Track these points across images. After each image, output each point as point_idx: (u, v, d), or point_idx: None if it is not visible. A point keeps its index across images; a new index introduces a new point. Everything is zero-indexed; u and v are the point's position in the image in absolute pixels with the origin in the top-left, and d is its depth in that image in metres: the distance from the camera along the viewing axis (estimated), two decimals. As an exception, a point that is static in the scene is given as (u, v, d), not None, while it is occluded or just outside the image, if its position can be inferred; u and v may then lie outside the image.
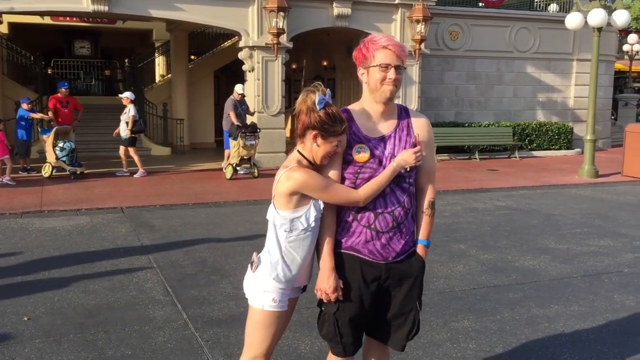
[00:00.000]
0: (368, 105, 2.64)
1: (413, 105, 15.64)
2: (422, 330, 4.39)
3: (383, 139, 2.61)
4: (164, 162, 14.89)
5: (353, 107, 2.69)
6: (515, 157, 16.63)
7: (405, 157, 2.55)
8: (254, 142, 11.99)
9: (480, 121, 17.37)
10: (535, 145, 17.64)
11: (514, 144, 16.81)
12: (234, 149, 11.93)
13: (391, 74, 2.52)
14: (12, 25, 19.43)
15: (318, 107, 2.49)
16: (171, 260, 6.29)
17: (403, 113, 2.69)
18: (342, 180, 2.61)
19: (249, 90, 13.73)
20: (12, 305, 4.92)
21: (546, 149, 17.75)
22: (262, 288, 2.64)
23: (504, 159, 16.55)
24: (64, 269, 5.96)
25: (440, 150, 16.03)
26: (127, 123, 12.34)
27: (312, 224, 2.56)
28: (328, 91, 2.56)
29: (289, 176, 2.52)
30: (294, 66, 19.55)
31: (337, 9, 14.34)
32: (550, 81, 18.54)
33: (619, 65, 26.13)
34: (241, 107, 12.43)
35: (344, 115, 2.55)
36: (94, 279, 5.66)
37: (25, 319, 4.62)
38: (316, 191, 2.52)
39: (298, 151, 2.60)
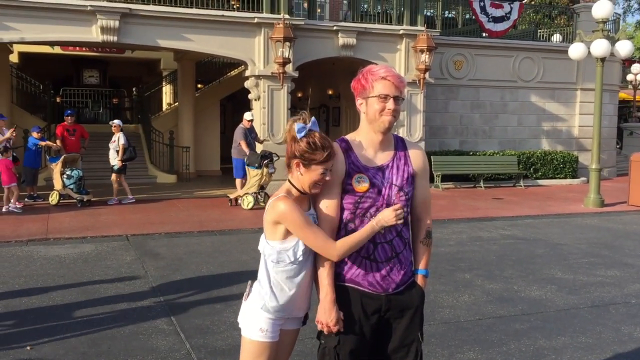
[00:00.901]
0: (366, 135, 2.65)
1: (418, 134, 15.73)
2: (427, 361, 4.36)
3: (381, 169, 2.62)
4: (169, 190, 14.94)
5: (351, 136, 2.70)
6: (521, 186, 16.61)
7: (385, 216, 2.53)
8: (274, 170, 12.01)
9: (485, 150, 17.41)
10: (540, 174, 17.63)
11: (519, 172, 16.81)
12: (255, 178, 11.78)
13: (390, 104, 2.54)
14: (22, 54, 19.73)
15: (298, 136, 2.52)
16: (175, 288, 6.28)
17: (400, 143, 2.72)
18: (342, 210, 2.61)
19: (255, 118, 13.83)
20: (16, 334, 4.91)
21: (551, 178, 17.73)
22: (252, 317, 2.65)
23: (509, 188, 16.54)
24: (67, 297, 5.96)
25: (445, 178, 16.05)
26: (117, 152, 12.47)
27: (300, 258, 2.56)
28: (313, 119, 2.56)
29: (273, 205, 2.55)
30: (299, 95, 19.73)
31: (342, 39, 14.52)
32: (555, 110, 18.61)
33: (623, 94, 26.25)
34: (250, 135, 12.49)
35: (334, 144, 2.57)
36: (97, 307, 5.65)
37: (28, 348, 4.61)
38: (294, 227, 2.51)
39: (289, 180, 2.63)
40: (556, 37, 20.63)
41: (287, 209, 2.51)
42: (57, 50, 19.82)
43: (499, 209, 12.55)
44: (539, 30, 20.98)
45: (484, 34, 17.90)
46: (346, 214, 2.60)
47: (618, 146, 23.83)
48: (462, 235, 9.60)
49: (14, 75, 18.39)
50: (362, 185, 2.57)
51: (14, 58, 18.73)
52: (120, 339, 4.81)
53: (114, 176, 12.60)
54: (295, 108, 19.70)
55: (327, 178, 2.54)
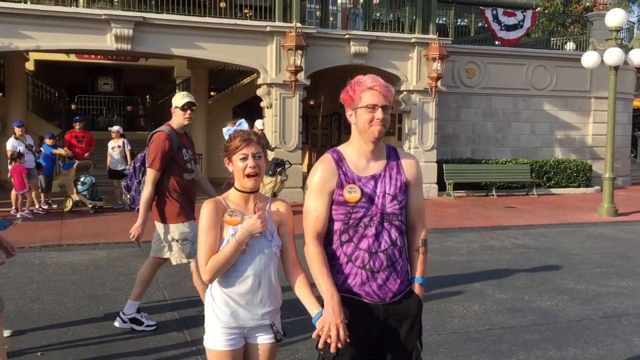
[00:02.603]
0: (357, 145, 2.66)
1: (429, 142, 15.70)
2: (436, 371, 4.35)
3: (374, 178, 2.62)
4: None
5: (343, 147, 2.72)
6: (533, 195, 16.51)
7: (250, 224, 2.57)
8: (286, 178, 12.04)
9: (497, 158, 17.34)
10: (553, 182, 17.51)
11: (531, 181, 16.71)
12: (269, 185, 11.84)
13: (379, 114, 2.55)
14: (38, 62, 19.98)
15: (225, 137, 2.68)
16: (185, 295, 6.31)
17: (392, 153, 2.72)
18: (332, 222, 2.60)
19: (266, 126, 13.89)
20: (27, 340, 4.96)
21: (565, 187, 17.61)
22: (206, 325, 2.69)
23: (521, 196, 16.44)
24: (79, 303, 6.01)
25: (457, 187, 16.00)
26: (126, 158, 12.58)
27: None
28: (241, 120, 2.73)
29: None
30: (311, 102, 19.78)
31: (354, 47, 14.56)
32: (568, 118, 18.50)
33: (638, 103, 26.01)
34: (261, 143, 12.55)
35: (254, 131, 2.68)
36: (108, 314, 5.68)
37: (39, 354, 4.65)
38: (199, 227, 2.60)
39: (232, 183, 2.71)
40: (570, 45, 20.53)
41: (202, 210, 2.60)
42: (73, 58, 20.05)
43: (511, 217, 12.48)
44: (552, 39, 20.89)
45: (496, 42, 17.87)
46: (339, 225, 2.60)
47: (632, 155, 23.62)
48: (473, 244, 9.56)
49: (30, 82, 18.64)
50: (353, 196, 2.57)
51: (30, 66, 18.99)
52: (130, 346, 4.84)
53: (117, 182, 12.71)
54: (307, 116, 19.81)
55: (251, 165, 2.59)
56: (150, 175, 4.94)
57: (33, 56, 18.58)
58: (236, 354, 2.64)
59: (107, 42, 12.87)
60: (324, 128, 20.46)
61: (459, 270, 7.62)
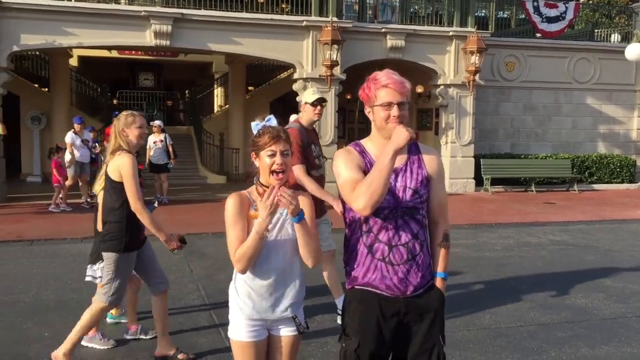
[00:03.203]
0: (378, 141, 2.67)
1: (467, 136, 15.53)
2: (464, 367, 4.33)
3: (395, 172, 2.62)
4: (219, 190, 15.21)
5: (364, 141, 2.74)
6: (574, 190, 16.16)
7: (263, 208, 2.51)
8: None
9: (537, 153, 17.02)
10: (595, 178, 17.11)
11: (572, 176, 16.35)
12: None
13: (394, 111, 2.56)
14: (81, 58, 20.49)
15: (254, 132, 2.69)
16: (219, 288, 6.41)
17: (413, 147, 2.72)
18: (353, 210, 2.60)
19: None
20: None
21: (607, 183, 17.17)
22: (231, 316, 2.75)
23: (562, 192, 16.11)
24: (116, 293, 6.17)
25: (494, 182, 15.79)
26: (167, 152, 12.82)
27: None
28: (270, 116, 2.73)
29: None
30: (348, 97, 19.75)
31: (390, 41, 14.48)
32: (612, 112, 18.02)
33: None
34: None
35: (283, 128, 2.67)
36: (143, 305, 5.82)
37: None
38: (226, 220, 2.63)
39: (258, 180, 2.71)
40: (615, 37, 19.97)
41: (227, 202, 2.64)
42: (114, 54, 20.50)
43: (549, 213, 12.26)
44: (597, 30, 20.35)
45: (537, 35, 17.51)
46: (359, 216, 2.63)
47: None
48: (509, 240, 9.43)
49: (74, 78, 19.16)
50: None
51: (73, 62, 19.50)
52: (163, 336, 4.95)
53: (164, 176, 12.96)
54: (344, 110, 19.79)
55: (279, 162, 2.58)
56: (299, 170, 4.91)
57: (76, 52, 19.06)
58: (259, 345, 2.69)
59: (147, 38, 13.13)
60: (360, 122, 20.41)
61: (493, 266, 7.54)
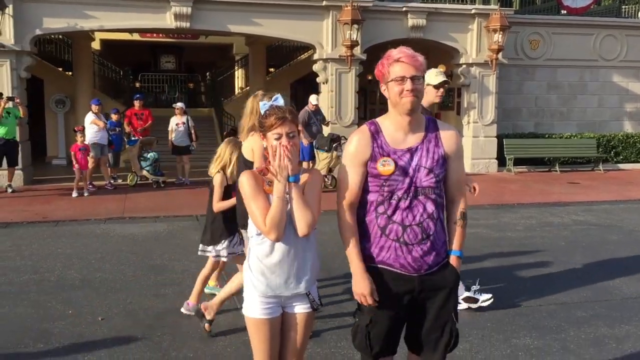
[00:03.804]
0: (394, 118, 2.67)
1: (489, 116, 15.34)
2: (481, 345, 4.35)
3: (410, 151, 2.62)
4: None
5: (381, 119, 2.73)
6: (600, 170, 15.90)
7: (275, 171, 2.57)
8: (342, 153, 12.04)
9: (561, 132, 16.75)
10: (621, 157, 16.80)
11: (598, 156, 16.08)
12: (325, 161, 11.89)
13: (407, 85, 2.54)
14: (103, 42, 20.64)
15: (262, 112, 2.69)
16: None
17: (431, 125, 2.70)
18: (367, 193, 2.64)
19: (322, 101, 13.91)
20: (89, 306, 5.25)
21: (634, 162, 16.85)
22: (245, 294, 2.78)
23: (586, 172, 15.86)
24: (138, 272, 6.29)
25: (517, 162, 15.60)
26: (190, 134, 12.90)
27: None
28: (277, 95, 2.74)
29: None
30: (369, 77, 19.63)
31: (411, 20, 14.31)
32: (639, 90, 17.62)
33: None
34: (316, 117, 12.58)
35: (290, 108, 2.67)
36: (165, 283, 5.93)
37: (100, 319, 4.92)
38: (245, 198, 2.64)
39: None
40: (643, 13, 19.47)
41: (241, 180, 2.66)
42: (136, 37, 20.59)
43: (573, 194, 12.10)
44: (624, 7, 19.85)
45: (562, 12, 17.14)
46: (375, 197, 2.63)
47: None
48: (531, 220, 9.34)
49: (96, 61, 19.30)
50: (386, 169, 2.59)
51: (95, 45, 19.64)
52: (184, 314, 5.04)
53: (186, 157, 13.05)
54: (365, 91, 19.68)
55: (285, 144, 2.57)
56: None
57: (99, 36, 19.20)
58: (273, 322, 2.72)
59: (167, 20, 13.15)
60: (381, 103, 20.30)
61: (514, 247, 7.49)
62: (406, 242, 2.60)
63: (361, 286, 2.59)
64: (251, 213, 2.64)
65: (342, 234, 2.65)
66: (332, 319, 4.87)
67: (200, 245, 5.02)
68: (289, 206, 2.60)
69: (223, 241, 4.83)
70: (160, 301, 5.38)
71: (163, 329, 4.69)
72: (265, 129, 2.64)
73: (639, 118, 17.76)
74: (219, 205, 4.75)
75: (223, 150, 4.76)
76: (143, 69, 23.33)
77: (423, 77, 2.62)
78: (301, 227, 2.59)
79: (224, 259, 4.95)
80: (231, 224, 4.70)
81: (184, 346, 4.36)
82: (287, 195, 2.58)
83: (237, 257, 4.89)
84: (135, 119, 12.99)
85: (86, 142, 11.65)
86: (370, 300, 2.58)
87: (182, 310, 5.00)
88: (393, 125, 2.66)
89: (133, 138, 12.81)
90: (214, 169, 4.77)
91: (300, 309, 2.75)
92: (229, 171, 4.74)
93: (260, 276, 2.70)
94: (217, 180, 4.74)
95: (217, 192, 4.74)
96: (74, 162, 11.24)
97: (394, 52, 2.59)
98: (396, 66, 2.56)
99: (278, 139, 2.61)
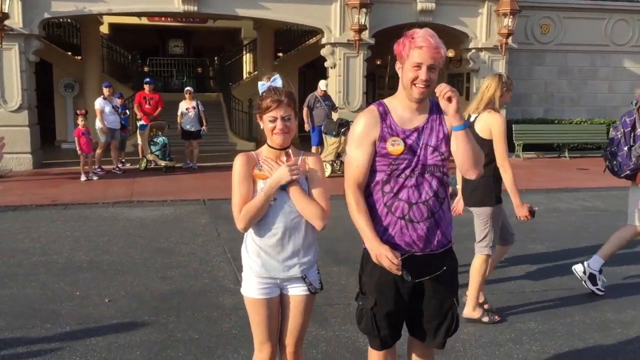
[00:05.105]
0: (402, 99, 2.67)
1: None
2: (485, 329, 4.36)
3: (417, 130, 2.63)
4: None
5: (389, 100, 2.73)
6: (609, 156, 15.76)
7: (278, 174, 2.58)
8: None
9: (571, 118, 16.62)
10: (632, 143, 16.64)
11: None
12: (333, 146, 11.87)
13: (423, 74, 2.52)
14: (111, 25, 20.62)
15: (260, 92, 2.69)
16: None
17: (434, 107, 2.69)
18: (375, 173, 2.63)
19: (330, 86, 13.84)
20: (97, 287, 5.29)
21: (644, 148, 16.69)
22: (244, 274, 2.80)
23: (596, 158, 15.68)
24: (145, 255, 6.33)
25: (527, 147, 15.52)
26: (200, 119, 12.88)
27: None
28: (276, 76, 2.69)
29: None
30: (378, 62, 19.52)
31: (420, 4, 14.17)
32: (651, 76, 17.43)
33: None
34: (324, 103, 12.53)
35: (288, 90, 2.65)
36: (171, 266, 5.97)
37: (107, 300, 4.96)
38: (233, 179, 2.66)
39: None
40: (656, -3, 19.19)
41: (234, 163, 2.66)
42: (144, 21, 20.55)
43: (582, 179, 12.03)
44: (637, -10, 19.57)
45: (574, -5, 16.93)
46: (382, 176, 2.63)
47: None
48: (538, 206, 9.09)
49: (104, 45, 19.30)
50: (396, 148, 2.59)
51: (104, 29, 19.63)
52: (190, 296, 5.08)
53: (196, 142, 13.06)
54: (374, 75, 19.59)
55: (280, 127, 2.59)
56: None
57: (107, 20, 19.17)
58: (271, 303, 2.73)
59: (175, 4, 13.09)
60: (390, 88, 20.19)
61: (521, 232, 7.37)
62: (412, 219, 2.60)
63: (380, 250, 2.55)
64: (233, 196, 2.65)
65: (352, 212, 2.65)
66: (337, 303, 4.89)
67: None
68: (271, 204, 2.63)
69: None
70: (167, 283, 5.42)
71: (169, 311, 4.73)
72: (262, 111, 2.65)
73: (650, 104, 17.55)
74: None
75: None
76: (151, 54, 23.31)
77: (440, 68, 2.59)
78: (316, 223, 2.64)
79: None
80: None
81: (190, 328, 4.39)
82: (272, 199, 2.62)
83: None
84: (144, 102, 12.92)
85: (98, 127, 11.70)
86: (393, 258, 2.53)
87: None
88: (401, 105, 2.67)
89: (141, 123, 12.82)
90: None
91: (297, 291, 2.75)
92: None
93: (256, 257, 2.71)
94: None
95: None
96: (77, 146, 11.22)
97: (418, 38, 2.54)
98: (417, 52, 2.53)
99: (273, 121, 2.61)
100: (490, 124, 4.28)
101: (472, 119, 4.43)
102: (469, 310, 4.46)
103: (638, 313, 4.72)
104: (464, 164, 2.61)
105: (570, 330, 4.37)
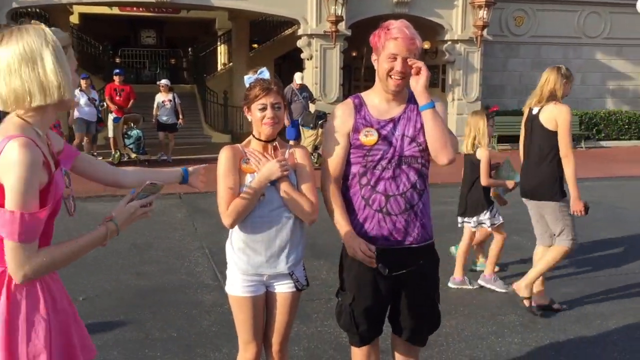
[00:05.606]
0: (379, 91, 2.64)
1: (474, 93, 15.30)
2: (467, 323, 4.35)
3: (393, 120, 2.59)
4: (223, 149, 15.14)
5: (366, 93, 2.70)
6: (582, 147, 16.01)
7: (267, 169, 2.51)
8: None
9: (545, 110, 16.76)
10: (603, 135, 16.92)
11: (580, 133, 16.17)
12: (310, 138, 11.78)
13: (398, 65, 2.49)
14: (82, 15, 20.20)
15: (247, 85, 2.63)
16: (222, 246, 6.34)
17: (412, 98, 2.65)
18: (350, 165, 2.60)
19: (307, 78, 13.75)
20: (68, 285, 5.09)
21: (615, 139, 16.99)
22: (228, 271, 2.75)
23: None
24: (120, 252, 6.19)
25: (502, 139, 15.64)
26: (176, 112, 12.70)
27: None
28: (263, 69, 2.63)
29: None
30: (354, 54, 19.47)
31: (396, -4, 14.14)
32: (621, 68, 17.70)
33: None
34: (301, 95, 12.43)
35: (275, 80, 2.60)
36: (148, 262, 5.85)
37: (81, 299, 4.83)
38: (218, 172, 2.59)
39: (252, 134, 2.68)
40: (627, -10, 19.46)
41: (220, 156, 2.60)
42: (116, 11, 20.17)
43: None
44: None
45: (547, -12, 17.07)
46: (357, 168, 2.60)
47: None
48: (517, 197, 9.31)
49: (74, 36, 18.87)
50: (369, 139, 2.56)
51: (74, 19, 19.21)
52: (168, 293, 4.99)
53: (172, 135, 12.87)
54: (349, 67, 19.53)
55: (270, 115, 2.53)
56: None
57: (77, 10, 18.75)
58: (256, 301, 2.66)
59: (148, -7, 12.87)
60: (366, 80, 20.17)
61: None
62: (389, 212, 2.56)
63: (355, 243, 2.51)
64: (218, 191, 2.58)
65: (328, 205, 2.62)
66: (318, 298, 4.84)
67: (459, 218, 5.26)
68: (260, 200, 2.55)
69: (485, 211, 5.11)
70: (144, 280, 5.31)
71: (146, 308, 4.63)
72: (250, 101, 2.58)
73: (621, 96, 17.87)
74: (490, 180, 5.08)
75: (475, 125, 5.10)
76: (123, 44, 22.90)
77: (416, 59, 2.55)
78: (306, 219, 2.60)
79: (488, 228, 5.20)
80: (488, 195, 5.14)
81: (168, 325, 4.30)
82: (263, 196, 2.55)
83: (498, 226, 5.20)
84: (115, 94, 12.60)
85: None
86: (367, 251, 2.48)
87: (450, 284, 5.10)
88: (377, 98, 2.64)
89: (114, 116, 12.54)
90: (469, 145, 5.16)
91: (284, 288, 2.68)
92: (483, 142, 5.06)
93: (241, 254, 2.64)
94: (485, 156, 5.05)
95: (485, 168, 5.05)
96: None
97: (394, 29, 2.50)
98: (392, 43, 2.50)
99: (263, 109, 2.54)
100: (556, 115, 4.32)
101: (534, 112, 4.47)
102: (521, 287, 4.52)
103: (616, 306, 4.76)
104: (434, 146, 2.54)
105: (550, 322, 4.39)
